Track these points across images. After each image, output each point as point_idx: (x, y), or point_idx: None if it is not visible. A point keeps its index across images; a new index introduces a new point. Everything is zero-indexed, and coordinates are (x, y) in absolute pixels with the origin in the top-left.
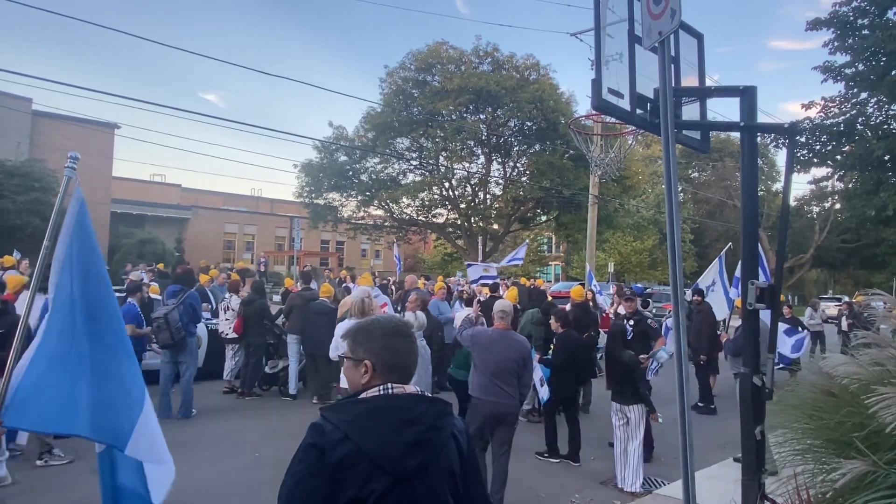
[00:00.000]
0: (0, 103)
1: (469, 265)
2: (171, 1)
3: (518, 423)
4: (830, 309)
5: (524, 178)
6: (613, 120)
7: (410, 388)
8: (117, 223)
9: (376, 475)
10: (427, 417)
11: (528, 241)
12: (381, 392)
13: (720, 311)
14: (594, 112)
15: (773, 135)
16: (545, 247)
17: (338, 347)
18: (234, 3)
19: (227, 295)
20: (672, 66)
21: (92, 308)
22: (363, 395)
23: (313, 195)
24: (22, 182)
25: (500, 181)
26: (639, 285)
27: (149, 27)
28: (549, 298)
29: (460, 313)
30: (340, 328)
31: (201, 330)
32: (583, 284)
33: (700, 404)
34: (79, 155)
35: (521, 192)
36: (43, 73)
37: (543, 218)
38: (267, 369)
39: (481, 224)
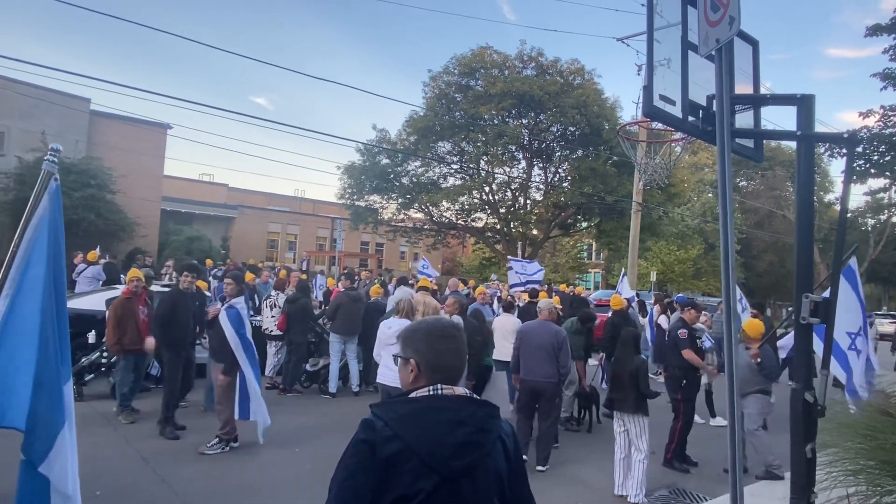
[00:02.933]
0: (60, 103)
1: (511, 263)
2: (223, 6)
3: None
4: (885, 326)
5: (565, 184)
6: (661, 126)
7: (459, 389)
8: (167, 220)
9: (425, 473)
10: (475, 419)
11: (541, 267)
12: (431, 392)
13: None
14: (643, 119)
15: (827, 144)
16: (585, 253)
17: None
18: (283, 8)
19: (273, 292)
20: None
21: (47, 311)
22: (413, 395)
23: (355, 197)
24: (78, 179)
25: (541, 186)
26: (681, 295)
27: (201, 31)
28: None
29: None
30: (383, 326)
31: None
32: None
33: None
34: (60, 147)
35: (562, 198)
36: (101, 74)
37: (584, 224)
38: (308, 367)
39: (521, 229)
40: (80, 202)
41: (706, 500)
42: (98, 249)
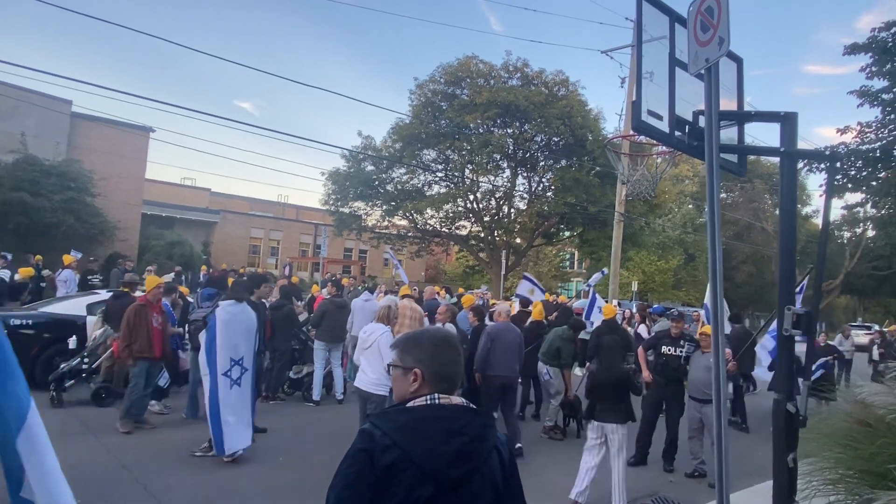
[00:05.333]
0: (41, 104)
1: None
2: (210, 11)
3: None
4: (861, 337)
5: (549, 193)
6: (645, 139)
7: (456, 398)
8: (148, 224)
9: (422, 482)
10: (472, 428)
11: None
12: (428, 402)
13: None
14: (629, 134)
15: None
16: (567, 263)
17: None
18: (269, 14)
19: None
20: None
21: None
22: (410, 404)
23: (339, 203)
24: (58, 181)
25: (525, 195)
26: (659, 305)
27: (187, 34)
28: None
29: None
30: (361, 333)
31: None
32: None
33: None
34: None
35: (545, 207)
36: (83, 76)
37: (567, 234)
38: (291, 374)
39: (504, 238)
40: (60, 205)
41: None
42: (73, 252)
